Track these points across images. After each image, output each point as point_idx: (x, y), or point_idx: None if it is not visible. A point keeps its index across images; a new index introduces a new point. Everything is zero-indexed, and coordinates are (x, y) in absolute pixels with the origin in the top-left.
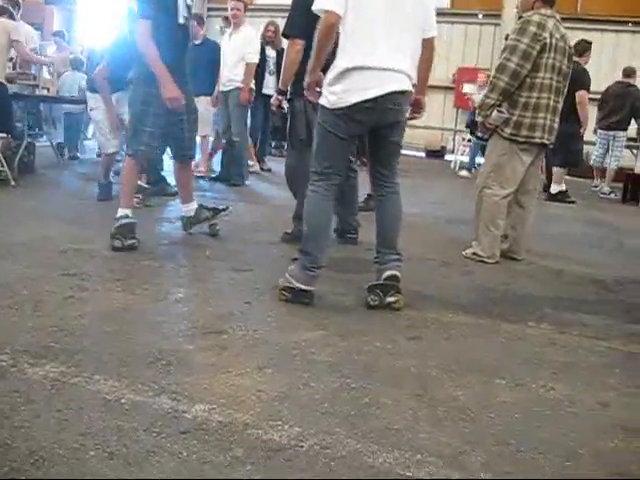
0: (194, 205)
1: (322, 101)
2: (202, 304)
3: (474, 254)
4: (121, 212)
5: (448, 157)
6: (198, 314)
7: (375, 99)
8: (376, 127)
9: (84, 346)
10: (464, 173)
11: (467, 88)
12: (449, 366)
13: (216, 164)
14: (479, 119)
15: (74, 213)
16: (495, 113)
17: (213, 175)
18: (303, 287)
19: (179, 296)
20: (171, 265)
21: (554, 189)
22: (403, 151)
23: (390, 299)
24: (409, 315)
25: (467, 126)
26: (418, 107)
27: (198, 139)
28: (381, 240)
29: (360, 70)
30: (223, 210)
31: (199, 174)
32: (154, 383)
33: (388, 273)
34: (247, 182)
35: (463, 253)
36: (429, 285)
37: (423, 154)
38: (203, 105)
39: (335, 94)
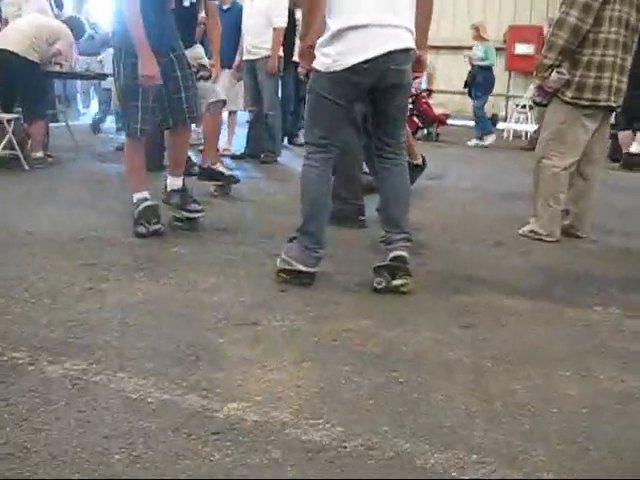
0: (179, 182)
1: (316, 65)
2: (233, 293)
3: (532, 232)
4: (137, 196)
5: (501, 125)
6: (229, 304)
7: (375, 59)
8: (376, 90)
9: (106, 341)
10: (475, 142)
11: (520, 49)
12: (506, 357)
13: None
14: (536, 82)
15: (92, 198)
16: (554, 74)
17: (238, 152)
18: (304, 269)
19: (207, 285)
20: (198, 251)
21: (636, 148)
22: (452, 121)
23: (397, 282)
24: (461, 301)
25: (465, 86)
26: (419, 66)
27: (225, 115)
28: (386, 218)
29: (355, 29)
30: (196, 211)
31: (226, 153)
32: (182, 380)
33: (394, 254)
34: (279, 159)
35: (519, 231)
36: (482, 268)
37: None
38: (228, 78)
39: (329, 57)
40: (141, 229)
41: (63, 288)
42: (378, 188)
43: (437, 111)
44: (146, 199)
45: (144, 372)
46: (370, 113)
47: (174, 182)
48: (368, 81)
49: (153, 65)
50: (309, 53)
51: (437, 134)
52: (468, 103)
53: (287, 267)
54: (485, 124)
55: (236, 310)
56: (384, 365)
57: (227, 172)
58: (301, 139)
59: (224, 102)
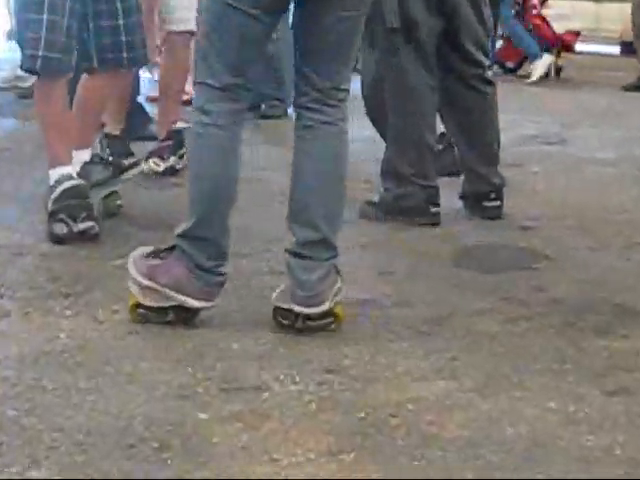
0: (86, 155)
1: None
2: (215, 334)
3: None
4: (56, 173)
5: None
6: (212, 353)
7: None
8: None
9: (11, 419)
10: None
11: None
12: None
13: None
14: None
15: None
16: None
17: None
18: (196, 303)
19: (173, 320)
20: None
21: None
22: (582, 46)
23: (313, 323)
24: (605, 349)
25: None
26: None
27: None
28: (296, 211)
29: None
30: (132, 166)
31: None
32: None
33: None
34: (290, 111)
35: None
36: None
37: (617, 49)
38: None
39: None
40: (59, 228)
41: None
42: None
43: (558, 29)
44: (70, 177)
45: (72, 470)
46: (295, 28)
47: (81, 156)
48: None
49: None
50: None
51: (559, 68)
52: (600, 14)
53: (159, 304)
54: None
55: (225, 363)
56: (477, 456)
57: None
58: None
59: (191, 33)
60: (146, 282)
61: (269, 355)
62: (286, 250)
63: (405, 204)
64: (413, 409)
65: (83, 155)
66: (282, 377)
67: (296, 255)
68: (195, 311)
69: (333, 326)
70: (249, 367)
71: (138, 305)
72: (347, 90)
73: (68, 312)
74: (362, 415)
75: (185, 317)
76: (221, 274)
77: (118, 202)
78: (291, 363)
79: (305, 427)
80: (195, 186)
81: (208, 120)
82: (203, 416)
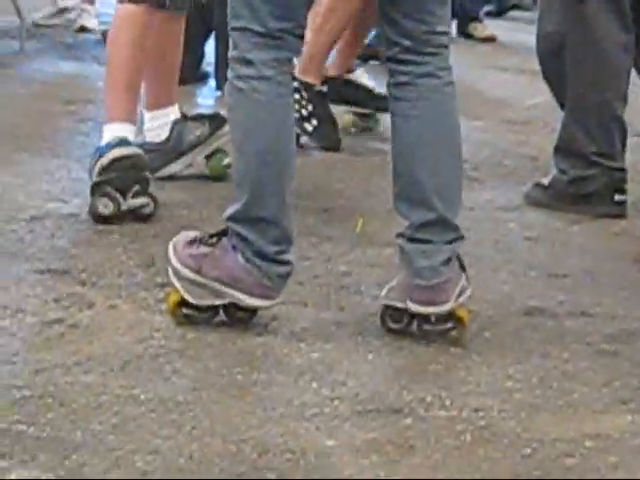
0: (172, 114)
1: None
2: (346, 343)
3: None
4: (109, 130)
5: None
6: (343, 366)
7: None
8: None
9: (94, 437)
10: None
11: None
12: None
13: None
14: None
15: (48, 136)
16: None
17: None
18: (262, 303)
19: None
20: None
21: None
22: None
23: (430, 327)
24: None
25: None
26: None
27: None
28: (404, 189)
29: None
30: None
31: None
32: None
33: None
34: None
35: None
36: None
37: None
38: None
39: None
40: (103, 204)
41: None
42: None
43: None
44: (126, 143)
45: None
46: None
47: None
48: None
49: None
50: None
51: None
52: None
53: (207, 302)
54: None
55: (357, 380)
56: None
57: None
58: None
59: None
60: (192, 275)
61: (413, 371)
62: (398, 235)
63: (583, 189)
64: (592, 447)
65: (169, 114)
66: (429, 399)
67: (412, 240)
68: (253, 311)
69: (454, 333)
70: (388, 385)
71: (181, 303)
72: (446, 33)
73: (163, 306)
74: (528, 452)
75: (240, 318)
76: (285, 263)
77: (226, 161)
78: (440, 383)
79: (457, 463)
80: (243, 155)
81: (251, 72)
82: (330, 443)
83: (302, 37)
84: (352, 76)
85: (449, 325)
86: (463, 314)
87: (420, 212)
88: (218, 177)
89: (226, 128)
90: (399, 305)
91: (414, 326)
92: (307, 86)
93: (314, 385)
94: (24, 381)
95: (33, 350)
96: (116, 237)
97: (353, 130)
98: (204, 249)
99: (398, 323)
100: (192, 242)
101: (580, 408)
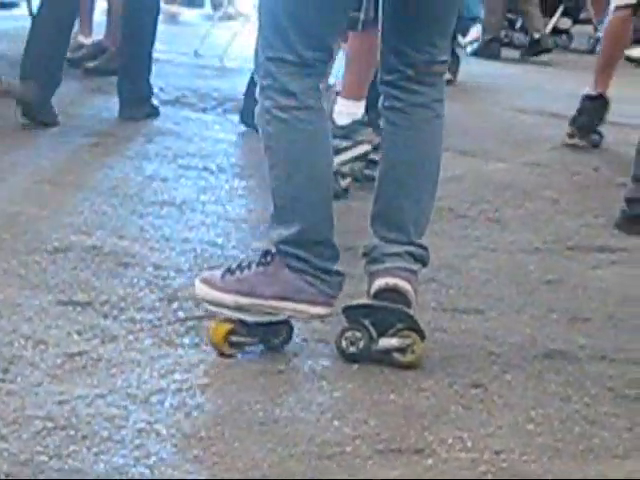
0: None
1: None
2: (368, 381)
3: None
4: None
5: None
6: (365, 404)
7: None
8: None
9: (116, 470)
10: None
11: None
12: None
13: None
14: None
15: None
16: None
17: None
18: (315, 310)
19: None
20: None
21: None
22: None
23: (389, 342)
24: None
25: None
26: None
27: None
28: (380, 211)
29: None
30: None
31: None
32: None
33: (383, 283)
34: None
35: None
36: None
37: None
38: None
39: None
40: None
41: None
42: None
43: None
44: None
45: None
46: (383, 4)
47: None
48: None
49: None
50: None
51: None
52: None
53: (257, 318)
54: None
55: (379, 419)
56: None
57: None
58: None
59: None
60: (243, 300)
61: (434, 412)
62: (364, 254)
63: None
64: None
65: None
66: (450, 440)
67: (376, 261)
68: (288, 331)
69: (412, 357)
70: (410, 425)
71: (230, 332)
72: (446, 61)
73: (186, 341)
74: None
75: (274, 345)
76: (340, 274)
77: (367, 172)
78: (461, 424)
79: None
80: (291, 182)
81: (293, 102)
82: None
83: (331, 63)
84: None
85: (407, 341)
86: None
87: (393, 234)
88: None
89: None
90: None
91: (368, 343)
92: None
93: (336, 423)
94: (47, 412)
95: (56, 382)
96: (138, 270)
97: None
98: (255, 270)
99: (353, 345)
100: (230, 271)
101: (601, 453)
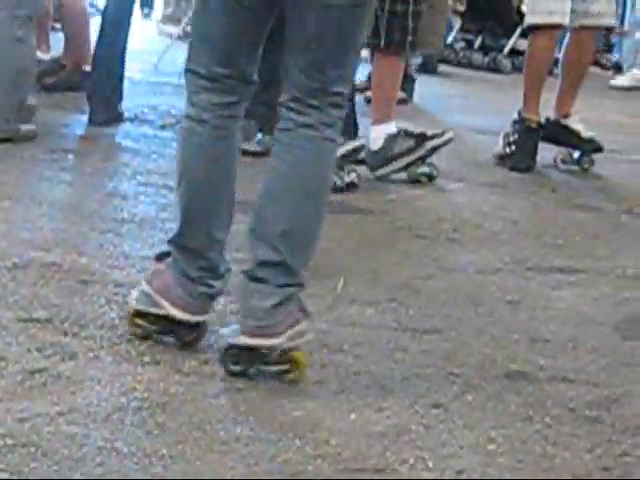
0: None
1: None
2: (330, 400)
3: None
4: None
5: None
6: (326, 423)
7: None
8: None
9: None
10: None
11: None
12: None
13: None
14: None
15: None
16: None
17: None
18: (180, 315)
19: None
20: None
21: None
22: None
23: (266, 367)
24: None
25: None
26: None
27: None
28: (256, 225)
29: None
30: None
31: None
32: None
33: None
34: None
35: None
36: None
37: None
38: None
39: None
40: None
41: None
42: None
43: None
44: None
45: None
46: (287, 23)
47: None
48: None
49: None
50: None
51: None
52: None
53: (148, 309)
54: None
55: (340, 438)
56: None
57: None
58: None
59: None
60: (144, 287)
61: (396, 431)
62: (242, 272)
63: None
64: None
65: (390, 127)
66: (412, 460)
67: (251, 278)
68: (197, 331)
69: (291, 375)
70: (371, 445)
71: (135, 314)
72: (340, 94)
73: (146, 359)
74: None
75: (188, 342)
76: (208, 285)
77: (420, 170)
78: (423, 444)
79: None
80: (178, 188)
81: (192, 113)
82: None
83: (250, 82)
84: (568, 121)
85: (283, 367)
86: (301, 357)
87: (264, 250)
88: (415, 181)
89: (428, 144)
90: (231, 341)
91: (249, 363)
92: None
93: (297, 442)
94: (7, 430)
95: (16, 399)
96: (98, 287)
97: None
98: (159, 265)
99: (237, 365)
100: (155, 258)
101: (562, 473)
